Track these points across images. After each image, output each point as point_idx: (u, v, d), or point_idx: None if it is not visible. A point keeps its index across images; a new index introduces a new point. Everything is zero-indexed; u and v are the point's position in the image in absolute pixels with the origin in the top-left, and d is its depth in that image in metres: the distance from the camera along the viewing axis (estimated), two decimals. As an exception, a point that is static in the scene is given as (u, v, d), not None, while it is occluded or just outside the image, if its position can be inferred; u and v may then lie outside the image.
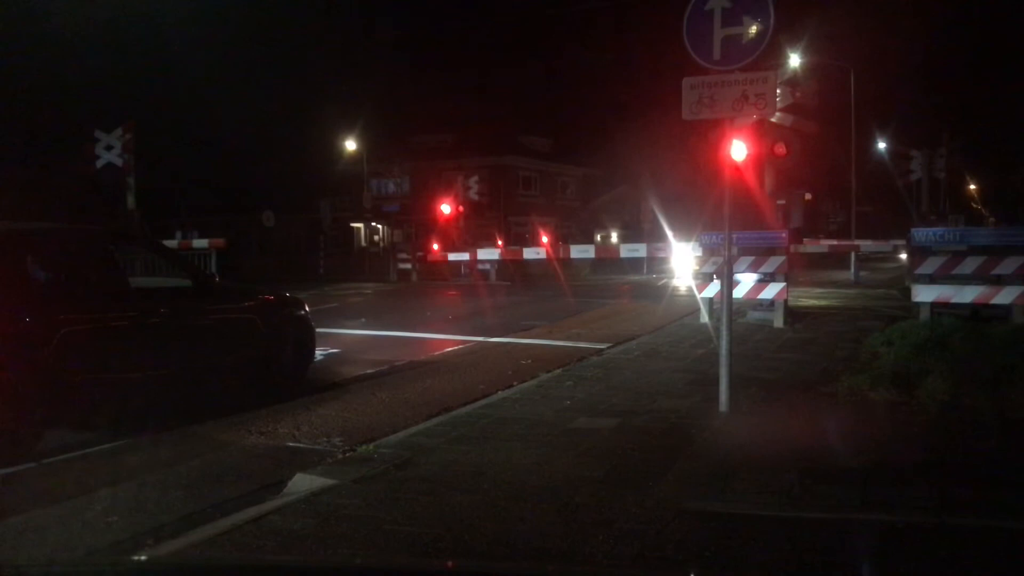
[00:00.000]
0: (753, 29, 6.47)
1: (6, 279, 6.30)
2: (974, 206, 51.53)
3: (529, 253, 26.16)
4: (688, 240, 16.35)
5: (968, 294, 11.53)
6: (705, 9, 6.60)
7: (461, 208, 32.37)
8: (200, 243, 23.29)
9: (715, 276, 12.51)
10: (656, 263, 35.73)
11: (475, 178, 33.61)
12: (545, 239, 31.41)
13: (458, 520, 4.42)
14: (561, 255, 26.03)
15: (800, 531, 4.34)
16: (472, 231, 31.60)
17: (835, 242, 29.85)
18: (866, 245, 29.42)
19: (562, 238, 32.32)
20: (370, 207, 39.55)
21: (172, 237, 23.56)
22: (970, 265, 11.49)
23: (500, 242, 30.59)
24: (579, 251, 26.12)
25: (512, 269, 27.96)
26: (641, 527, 4.27)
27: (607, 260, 29.88)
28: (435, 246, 29.11)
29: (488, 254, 27.30)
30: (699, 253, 13.84)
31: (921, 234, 12.79)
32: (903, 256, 32.91)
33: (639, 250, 23.67)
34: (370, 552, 4.05)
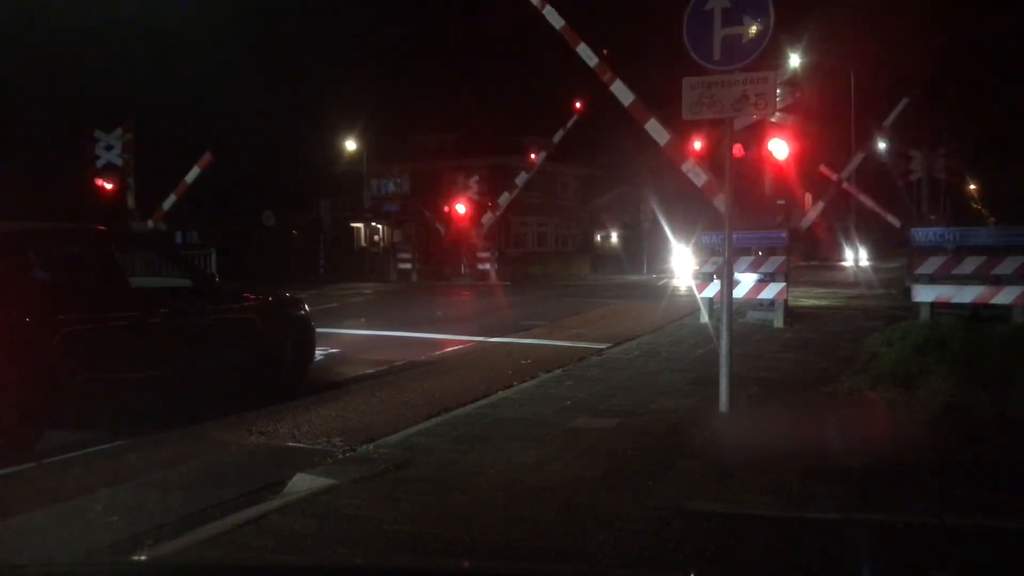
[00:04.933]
0: (753, 29, 6.48)
1: (6, 279, 6.30)
2: (974, 206, 51.51)
3: None
4: (688, 240, 16.38)
5: (968, 294, 11.53)
6: (705, 9, 6.60)
7: (462, 210, 32.39)
8: (192, 174, 22.53)
9: (715, 276, 12.51)
10: (656, 263, 35.80)
11: (475, 178, 33.61)
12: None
13: (458, 520, 4.42)
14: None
15: (800, 531, 4.34)
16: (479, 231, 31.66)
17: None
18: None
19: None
20: (370, 207, 39.56)
21: (172, 237, 23.52)
22: (970, 265, 11.49)
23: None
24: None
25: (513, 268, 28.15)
26: (641, 527, 4.27)
27: (607, 260, 29.86)
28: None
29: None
30: (698, 255, 13.88)
31: (921, 234, 12.79)
32: (853, 261, 33.08)
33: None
34: (370, 552, 4.05)
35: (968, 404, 6.76)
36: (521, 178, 31.49)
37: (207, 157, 22.25)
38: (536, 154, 31.47)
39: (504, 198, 31.56)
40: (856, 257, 36.80)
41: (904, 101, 27.20)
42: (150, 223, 21.73)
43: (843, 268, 31.57)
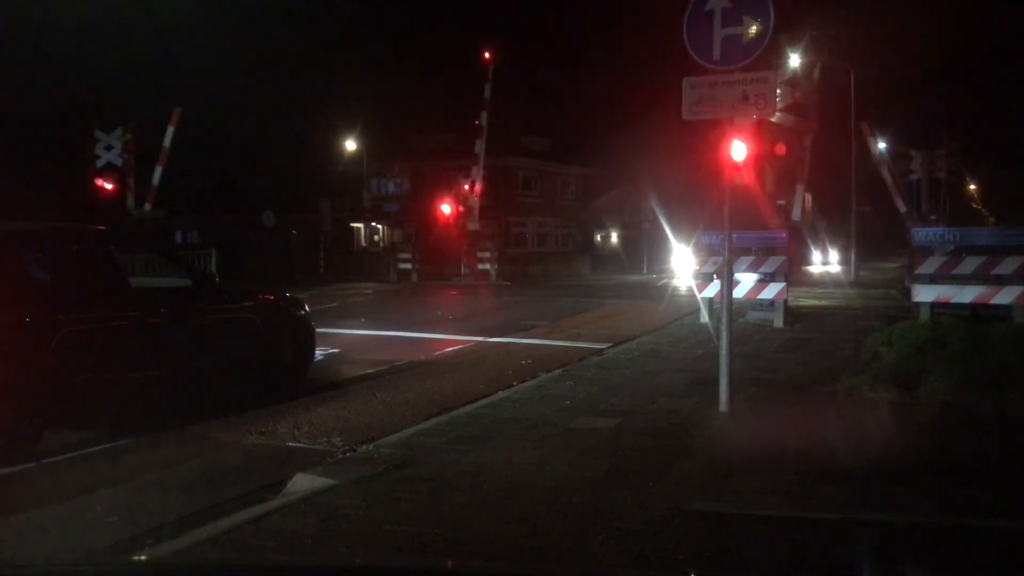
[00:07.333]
0: (753, 29, 6.48)
1: (6, 279, 6.29)
2: (974, 206, 51.56)
3: None
4: (688, 240, 16.40)
5: (968, 294, 11.53)
6: (705, 9, 6.60)
7: (461, 208, 32.45)
8: (168, 136, 22.35)
9: (715, 276, 12.51)
10: (656, 263, 35.78)
11: (475, 177, 33.63)
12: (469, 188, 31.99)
13: (458, 520, 4.42)
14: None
15: (800, 531, 4.34)
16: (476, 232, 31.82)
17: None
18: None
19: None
20: (370, 207, 39.57)
21: (171, 237, 23.55)
22: (970, 265, 11.49)
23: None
24: None
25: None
26: (641, 527, 4.26)
27: (607, 260, 29.83)
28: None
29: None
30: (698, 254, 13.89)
31: (921, 234, 12.80)
32: (827, 266, 32.16)
33: None
34: (370, 552, 4.05)
35: (968, 404, 6.76)
36: (479, 147, 31.99)
37: (177, 114, 22.24)
38: (479, 117, 31.95)
39: (475, 172, 31.99)
40: (828, 259, 35.83)
41: (819, 63, 28.04)
42: (147, 206, 21.77)
43: (809, 274, 30.73)
